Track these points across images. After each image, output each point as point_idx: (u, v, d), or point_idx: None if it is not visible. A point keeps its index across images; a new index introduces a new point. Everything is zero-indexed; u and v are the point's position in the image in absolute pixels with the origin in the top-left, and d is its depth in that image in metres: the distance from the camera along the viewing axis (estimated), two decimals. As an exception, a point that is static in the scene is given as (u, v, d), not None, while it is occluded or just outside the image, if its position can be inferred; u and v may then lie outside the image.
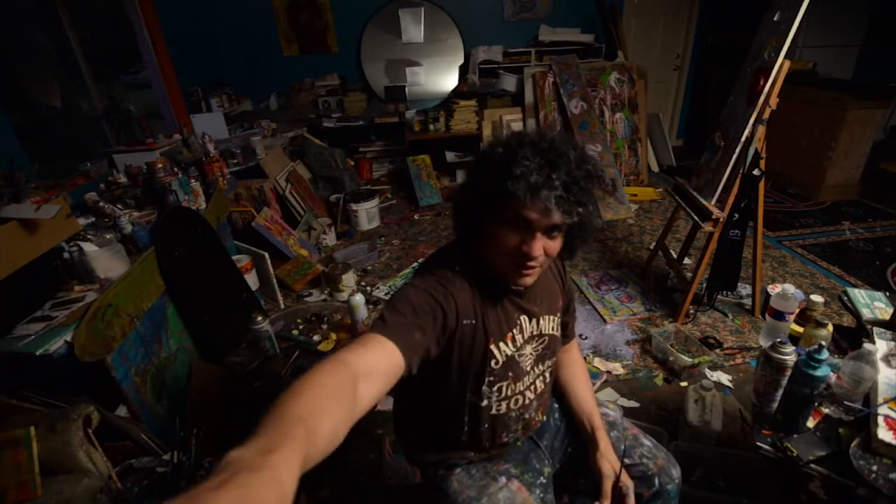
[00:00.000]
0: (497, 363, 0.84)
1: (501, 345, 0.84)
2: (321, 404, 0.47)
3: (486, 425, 0.91)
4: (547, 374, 0.97)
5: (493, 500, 0.88)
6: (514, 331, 0.86)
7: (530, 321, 0.88)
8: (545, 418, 1.03)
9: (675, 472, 0.99)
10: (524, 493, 0.91)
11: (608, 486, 0.90)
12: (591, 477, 0.96)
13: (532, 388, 0.93)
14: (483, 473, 0.93)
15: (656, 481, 0.97)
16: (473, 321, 0.79)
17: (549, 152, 0.71)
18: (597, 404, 1.03)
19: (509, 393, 0.89)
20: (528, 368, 0.90)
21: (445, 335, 0.77)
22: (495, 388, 0.86)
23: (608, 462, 0.94)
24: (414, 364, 0.68)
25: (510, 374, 0.87)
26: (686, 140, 5.16)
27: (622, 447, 1.00)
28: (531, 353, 0.90)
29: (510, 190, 0.70)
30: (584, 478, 1.01)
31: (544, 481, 0.96)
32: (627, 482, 0.91)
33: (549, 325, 0.92)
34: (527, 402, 0.93)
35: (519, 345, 0.87)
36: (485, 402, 0.87)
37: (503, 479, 0.92)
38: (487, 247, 0.79)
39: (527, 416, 0.95)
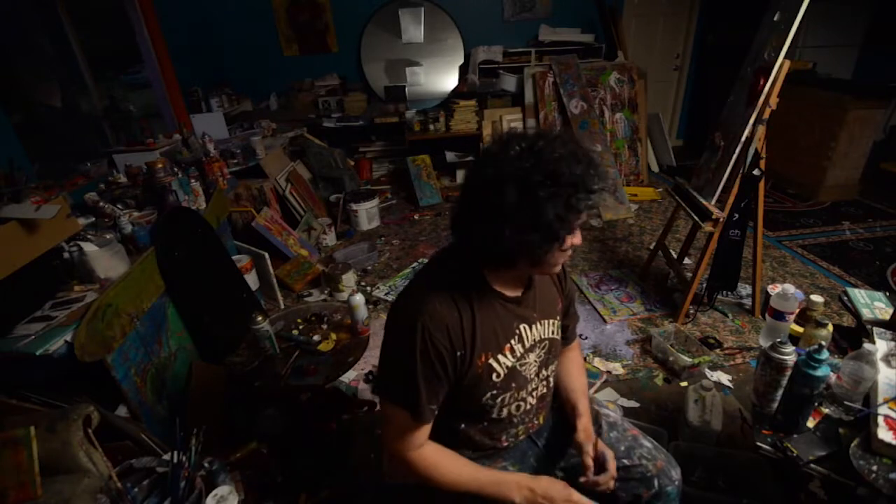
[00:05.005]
0: (498, 376, 0.84)
1: (500, 357, 0.84)
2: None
3: (487, 428, 0.91)
4: (550, 379, 0.97)
5: None
6: (513, 341, 0.85)
7: (530, 328, 0.88)
8: (544, 421, 1.03)
9: (675, 473, 0.99)
10: None
11: (587, 459, 0.92)
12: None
13: (534, 392, 0.93)
14: None
15: (656, 483, 0.96)
16: (466, 347, 0.80)
17: (593, 168, 0.71)
18: (586, 393, 1.04)
19: (511, 400, 0.89)
20: (532, 376, 0.90)
21: (448, 375, 0.80)
22: (498, 399, 0.86)
23: (585, 435, 0.96)
24: None
25: (513, 384, 0.87)
26: (686, 140, 5.16)
27: (622, 448, 1.00)
28: (535, 361, 0.90)
29: (574, 220, 0.72)
30: (581, 475, 1.01)
31: None
32: (604, 450, 0.93)
33: (549, 328, 0.92)
34: (528, 406, 0.93)
35: (519, 354, 0.86)
36: (487, 410, 0.88)
37: None
38: (527, 265, 0.79)
39: (527, 419, 0.96)
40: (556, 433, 1.05)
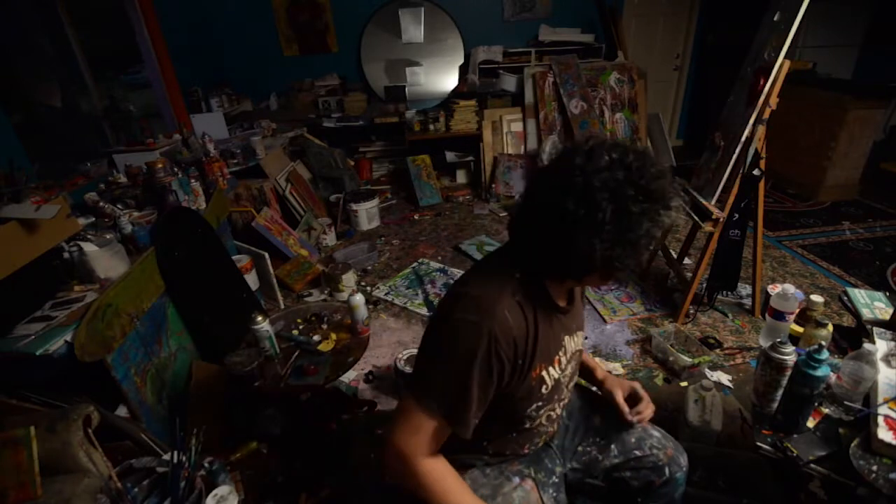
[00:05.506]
0: (547, 388, 0.84)
1: (550, 369, 0.84)
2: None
3: (516, 438, 0.92)
4: (572, 389, 1.00)
5: (508, 500, 0.89)
6: (560, 353, 0.86)
7: (571, 339, 0.88)
8: (558, 427, 1.05)
9: (683, 459, 1.02)
10: (537, 493, 0.92)
11: (620, 401, 0.97)
12: (602, 474, 1.01)
13: (562, 403, 0.95)
14: (497, 473, 0.94)
15: (667, 470, 0.99)
16: (525, 359, 0.77)
17: (672, 184, 0.71)
18: (595, 360, 1.12)
19: (546, 412, 0.90)
20: (566, 387, 0.92)
21: (500, 387, 0.77)
22: (541, 411, 0.87)
23: (609, 382, 1.02)
24: None
25: (555, 396, 0.88)
26: (686, 140, 5.16)
27: (633, 439, 1.02)
28: (570, 373, 0.91)
29: (654, 238, 0.71)
30: (594, 476, 1.04)
31: (556, 480, 0.98)
32: (630, 385, 1.00)
33: (580, 340, 0.94)
34: (555, 416, 0.95)
35: (563, 366, 0.87)
36: (523, 421, 0.88)
37: (517, 479, 0.93)
38: (597, 278, 0.77)
39: (550, 428, 0.97)
40: (567, 433, 1.07)
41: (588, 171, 0.67)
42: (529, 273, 0.79)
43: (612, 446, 1.02)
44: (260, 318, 1.36)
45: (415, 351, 1.81)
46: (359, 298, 1.49)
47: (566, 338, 0.87)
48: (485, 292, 0.76)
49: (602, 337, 2.12)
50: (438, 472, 0.79)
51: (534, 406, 0.84)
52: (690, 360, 1.85)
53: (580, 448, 1.05)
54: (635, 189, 0.66)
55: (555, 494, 0.95)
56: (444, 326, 0.77)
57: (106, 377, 1.29)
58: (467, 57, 4.32)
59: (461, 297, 0.78)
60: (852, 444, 0.92)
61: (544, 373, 0.82)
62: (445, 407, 0.74)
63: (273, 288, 2.43)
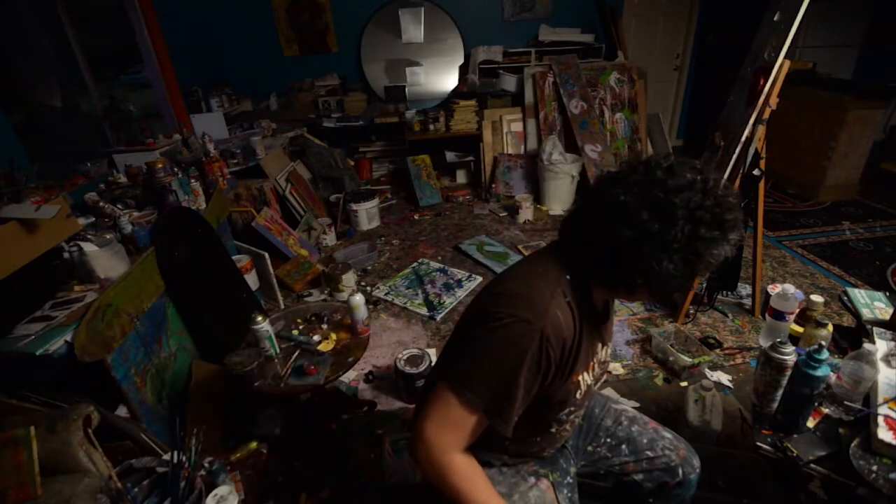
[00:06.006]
0: (581, 393, 0.84)
1: (585, 374, 0.84)
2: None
3: (539, 442, 0.92)
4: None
5: (525, 499, 0.90)
6: (594, 360, 0.86)
7: (602, 349, 0.88)
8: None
9: (696, 461, 1.02)
10: (553, 494, 0.93)
11: None
12: (610, 475, 1.02)
13: (585, 410, 0.96)
14: (514, 472, 0.95)
15: (680, 472, 0.99)
16: (569, 361, 0.77)
17: (739, 219, 0.69)
18: None
19: (574, 418, 0.90)
20: (592, 395, 0.93)
21: (543, 387, 0.77)
22: (572, 415, 0.87)
23: None
24: None
25: (585, 402, 0.89)
26: (686, 140, 5.16)
27: (644, 440, 1.02)
28: (596, 380, 0.91)
29: (712, 265, 0.70)
30: (604, 479, 1.05)
31: (571, 481, 0.98)
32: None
33: (609, 351, 0.93)
34: (577, 421, 0.96)
35: (595, 374, 0.87)
36: (552, 426, 0.88)
37: (532, 479, 0.94)
38: (646, 292, 0.76)
39: (569, 434, 0.98)
40: (580, 433, 1.07)
41: (669, 187, 0.67)
42: (576, 274, 0.78)
43: (623, 446, 1.03)
44: (260, 318, 1.36)
45: (415, 351, 1.81)
46: (359, 298, 1.49)
47: (599, 345, 0.87)
48: (537, 291, 0.75)
49: (602, 337, 2.12)
50: (470, 469, 0.77)
51: (566, 410, 0.85)
52: (690, 360, 1.85)
53: (590, 447, 1.06)
54: (711, 215, 0.66)
55: (569, 495, 0.95)
56: (494, 323, 0.74)
57: (106, 377, 1.29)
58: (467, 57, 4.31)
59: (510, 294, 0.76)
60: (852, 444, 0.92)
61: (581, 378, 0.82)
62: (489, 403, 0.73)
63: (273, 288, 2.43)
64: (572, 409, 0.86)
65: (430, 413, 0.75)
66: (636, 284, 0.73)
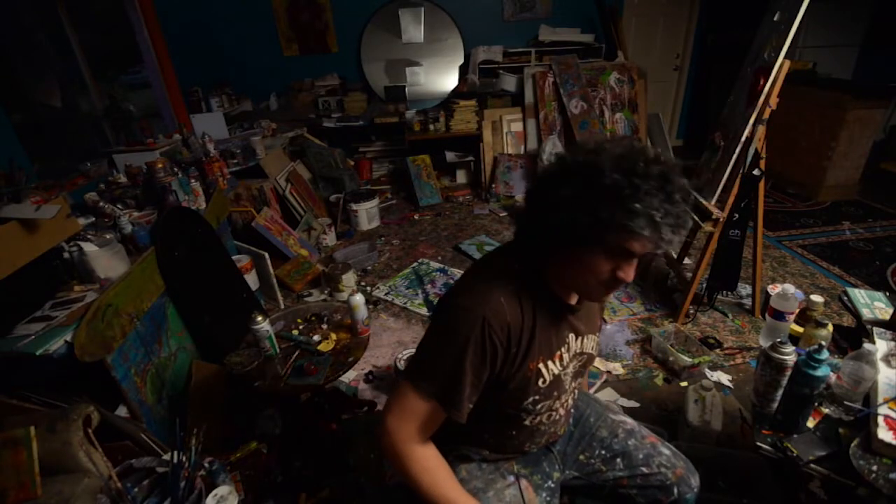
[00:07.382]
0: (544, 382, 0.84)
1: (550, 364, 0.83)
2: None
3: (515, 435, 0.91)
4: (577, 390, 0.98)
5: (500, 496, 0.89)
6: (563, 349, 0.85)
7: (576, 339, 0.88)
8: (564, 432, 1.03)
9: (695, 480, 0.99)
10: (531, 494, 0.92)
11: None
12: (604, 487, 1.00)
13: (565, 403, 0.94)
14: (493, 468, 0.94)
15: (675, 490, 0.96)
16: (520, 348, 0.78)
17: (669, 185, 0.65)
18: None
19: (546, 409, 0.89)
20: (567, 386, 0.91)
21: (494, 374, 0.78)
22: (538, 405, 0.86)
23: None
24: None
25: (554, 392, 0.87)
26: (686, 140, 5.16)
27: (640, 455, 1.00)
28: (571, 371, 0.90)
29: (629, 227, 0.64)
30: (598, 492, 1.03)
31: (552, 486, 0.96)
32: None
33: (591, 343, 0.92)
34: (558, 416, 0.94)
35: (565, 363, 0.87)
36: (522, 417, 0.87)
37: (511, 478, 0.93)
38: (569, 268, 0.75)
39: (552, 429, 0.96)
40: (570, 440, 1.06)
41: (602, 149, 0.69)
42: (529, 265, 0.80)
43: (618, 460, 1.00)
44: (260, 318, 1.36)
45: (415, 351, 1.81)
46: (359, 298, 1.49)
47: (571, 335, 0.86)
48: (479, 281, 0.80)
49: (602, 337, 2.12)
50: (429, 460, 0.80)
51: (530, 399, 0.84)
52: (690, 360, 1.85)
53: (582, 457, 1.03)
54: (643, 164, 0.65)
55: (548, 499, 0.93)
56: (440, 314, 0.81)
57: (106, 377, 1.29)
58: (467, 57, 4.31)
59: (455, 289, 0.82)
60: (852, 444, 0.92)
61: (542, 366, 0.82)
62: (439, 389, 0.76)
63: (273, 288, 2.43)
64: (538, 398, 0.84)
65: (392, 405, 0.80)
66: (573, 242, 0.71)
